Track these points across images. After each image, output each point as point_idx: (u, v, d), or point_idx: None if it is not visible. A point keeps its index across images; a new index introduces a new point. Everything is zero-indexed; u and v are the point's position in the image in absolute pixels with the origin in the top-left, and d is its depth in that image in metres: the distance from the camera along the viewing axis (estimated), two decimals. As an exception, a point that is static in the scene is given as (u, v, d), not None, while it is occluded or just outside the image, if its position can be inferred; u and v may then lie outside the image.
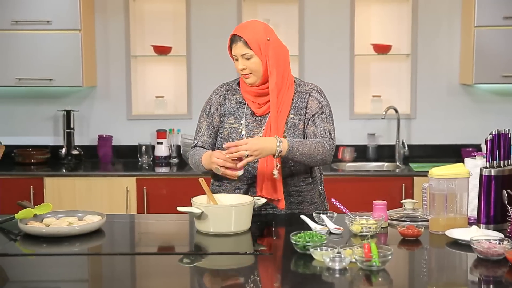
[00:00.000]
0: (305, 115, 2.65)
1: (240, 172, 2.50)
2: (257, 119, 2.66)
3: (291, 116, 2.65)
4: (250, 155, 2.43)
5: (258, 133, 2.63)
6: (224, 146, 2.51)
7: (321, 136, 2.61)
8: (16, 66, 4.49)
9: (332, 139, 2.64)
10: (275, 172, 2.54)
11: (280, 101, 2.62)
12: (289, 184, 2.65)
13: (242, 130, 2.65)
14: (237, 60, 2.62)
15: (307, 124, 2.65)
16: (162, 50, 4.76)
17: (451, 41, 4.74)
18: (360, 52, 4.76)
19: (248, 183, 2.65)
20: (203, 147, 2.71)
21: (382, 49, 4.72)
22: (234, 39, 2.61)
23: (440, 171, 2.40)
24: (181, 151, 4.61)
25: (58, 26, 4.44)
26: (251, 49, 2.58)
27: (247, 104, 2.67)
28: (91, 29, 4.71)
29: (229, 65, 4.66)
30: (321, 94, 2.71)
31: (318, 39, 4.77)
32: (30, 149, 4.76)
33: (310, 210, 2.71)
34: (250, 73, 2.60)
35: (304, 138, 2.65)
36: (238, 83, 2.74)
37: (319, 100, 2.68)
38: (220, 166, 2.48)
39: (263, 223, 2.54)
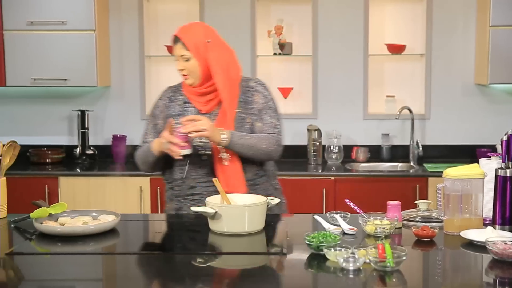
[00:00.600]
0: (252, 109, 2.71)
1: (186, 151, 2.53)
2: (203, 116, 2.66)
3: (239, 110, 2.70)
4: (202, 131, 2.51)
5: None
6: (180, 120, 2.54)
7: (269, 132, 2.69)
8: (31, 66, 4.52)
9: (279, 134, 2.72)
10: (224, 154, 2.60)
11: (230, 98, 2.67)
12: (244, 178, 2.67)
13: None
14: (177, 60, 2.68)
15: (255, 120, 2.70)
16: (176, 50, 4.77)
17: (466, 41, 4.71)
18: (374, 52, 4.75)
19: (203, 181, 2.67)
20: None
21: (396, 49, 4.70)
22: (175, 40, 2.68)
23: (455, 172, 2.38)
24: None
25: (73, 27, 4.47)
26: (189, 51, 2.64)
27: (192, 103, 2.72)
28: (106, 30, 4.74)
29: (243, 65, 4.66)
30: (266, 89, 2.77)
31: (332, 39, 4.76)
32: (45, 148, 4.80)
33: None
34: (189, 74, 2.67)
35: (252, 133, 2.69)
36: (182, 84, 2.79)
37: (264, 94, 2.74)
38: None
39: (276, 223, 2.53)
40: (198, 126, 2.50)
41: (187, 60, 2.65)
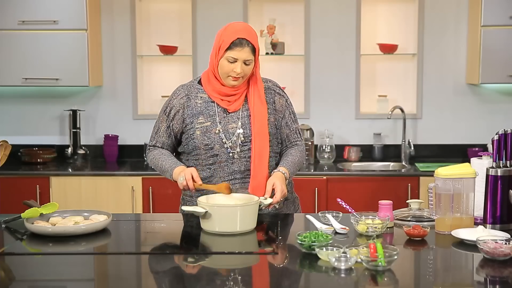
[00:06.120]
0: (275, 110, 2.70)
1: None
2: (229, 115, 2.64)
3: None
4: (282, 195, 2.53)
5: (236, 128, 2.62)
6: (266, 203, 2.48)
7: (295, 140, 2.74)
8: (23, 65, 4.50)
9: (302, 139, 2.78)
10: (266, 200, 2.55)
11: (263, 99, 2.66)
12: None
13: (219, 130, 2.62)
14: (232, 62, 2.55)
15: (280, 125, 2.70)
16: (168, 50, 4.76)
17: (457, 41, 4.73)
18: (366, 51, 4.76)
19: (229, 179, 2.64)
20: (163, 148, 2.71)
21: (388, 49, 4.71)
22: (240, 42, 2.54)
23: (446, 171, 2.39)
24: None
25: (65, 26, 4.46)
26: (255, 55, 2.58)
27: (215, 102, 2.64)
28: (98, 29, 4.72)
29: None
30: (283, 91, 2.78)
31: (324, 39, 4.77)
32: (37, 148, 4.78)
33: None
34: (241, 77, 2.59)
35: (274, 131, 2.68)
36: (199, 82, 2.70)
37: (285, 97, 2.76)
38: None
39: (268, 222, 2.54)
40: (284, 192, 2.51)
41: (248, 65, 2.57)
